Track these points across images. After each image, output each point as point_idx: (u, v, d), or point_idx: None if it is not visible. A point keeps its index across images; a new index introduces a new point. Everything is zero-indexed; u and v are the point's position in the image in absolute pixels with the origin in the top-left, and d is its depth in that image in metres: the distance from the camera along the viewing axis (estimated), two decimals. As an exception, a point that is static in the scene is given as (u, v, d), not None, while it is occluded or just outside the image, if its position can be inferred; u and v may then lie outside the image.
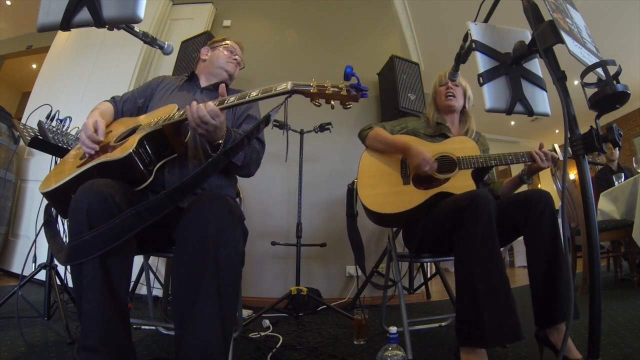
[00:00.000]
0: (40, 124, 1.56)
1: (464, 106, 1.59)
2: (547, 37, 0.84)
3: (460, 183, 1.28)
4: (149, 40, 1.09)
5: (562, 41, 0.80)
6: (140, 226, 0.80)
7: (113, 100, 1.30)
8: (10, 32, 4.61)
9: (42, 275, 1.67)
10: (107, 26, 0.90)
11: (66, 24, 0.89)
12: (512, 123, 6.79)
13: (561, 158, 1.33)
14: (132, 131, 1.07)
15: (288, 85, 0.89)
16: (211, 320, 0.77)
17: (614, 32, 3.87)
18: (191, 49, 2.70)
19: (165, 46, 1.13)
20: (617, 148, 2.85)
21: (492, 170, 1.58)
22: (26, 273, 1.66)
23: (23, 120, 1.84)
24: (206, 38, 2.66)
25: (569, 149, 0.82)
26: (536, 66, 1.06)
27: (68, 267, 1.11)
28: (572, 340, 1.05)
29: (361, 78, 0.90)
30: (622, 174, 2.88)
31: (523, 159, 1.33)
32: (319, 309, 2.18)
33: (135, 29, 1.02)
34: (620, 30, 3.86)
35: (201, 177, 0.84)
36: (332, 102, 0.90)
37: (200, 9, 3.10)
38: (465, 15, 1.11)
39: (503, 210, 1.15)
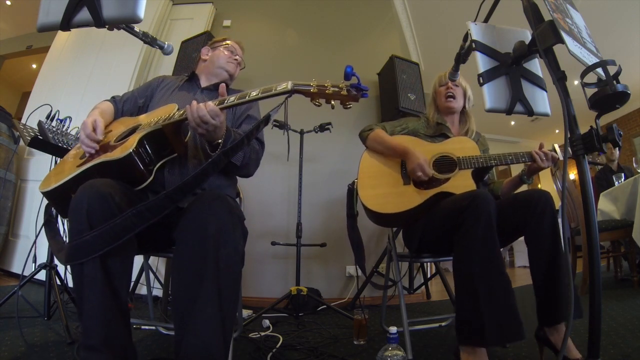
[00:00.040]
0: (40, 124, 1.56)
1: (464, 106, 1.59)
2: (547, 37, 0.84)
3: (461, 183, 1.28)
4: (149, 40, 1.09)
5: (562, 41, 0.80)
6: (141, 226, 0.80)
7: (113, 99, 1.30)
8: (10, 32, 4.61)
9: (42, 275, 1.67)
10: (107, 26, 0.90)
11: (66, 24, 0.89)
12: (512, 123, 6.79)
13: (561, 158, 1.33)
14: (132, 131, 1.07)
15: (288, 85, 0.89)
16: (211, 320, 0.77)
17: (614, 32, 3.87)
18: (191, 49, 2.70)
19: (165, 46, 1.13)
20: (617, 148, 2.85)
21: (492, 170, 1.58)
22: (26, 273, 1.67)
23: (23, 120, 1.84)
24: (206, 38, 2.66)
25: (569, 149, 0.82)
26: (536, 66, 1.06)
27: (68, 266, 1.10)
28: (572, 340, 1.05)
29: (361, 78, 0.90)
30: (622, 174, 2.88)
31: (523, 159, 1.33)
32: (319, 309, 2.18)
33: (135, 29, 1.02)
34: (620, 30, 3.86)
35: (201, 177, 0.84)
36: (333, 102, 0.90)
37: (200, 9, 3.10)
38: (465, 15, 1.11)
39: (503, 210, 1.15)
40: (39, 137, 1.52)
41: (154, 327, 1.58)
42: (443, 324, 1.70)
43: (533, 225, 1.12)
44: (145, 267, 1.58)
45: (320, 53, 3.03)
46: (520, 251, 5.70)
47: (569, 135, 0.81)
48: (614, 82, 0.77)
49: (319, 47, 3.07)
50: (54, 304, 1.60)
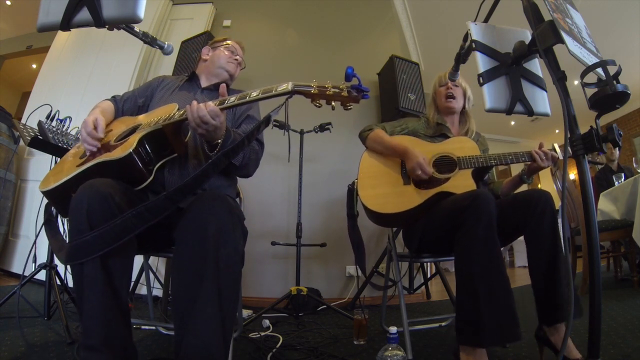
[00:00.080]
0: (40, 124, 1.56)
1: (464, 107, 1.59)
2: (547, 37, 0.84)
3: (461, 183, 1.28)
4: (149, 40, 1.09)
5: (562, 41, 0.80)
6: (141, 227, 0.80)
7: (114, 99, 1.30)
8: (10, 32, 4.61)
9: (42, 275, 1.67)
10: (107, 26, 0.90)
11: (66, 24, 0.89)
12: (512, 123, 6.79)
13: (561, 157, 1.33)
14: (132, 130, 1.07)
15: (289, 86, 0.89)
16: (211, 320, 0.77)
17: (614, 32, 3.87)
18: (191, 49, 2.70)
19: (165, 46, 1.13)
20: (617, 148, 2.84)
21: (491, 170, 1.58)
22: (26, 273, 1.67)
23: (23, 120, 1.84)
24: (206, 38, 2.66)
25: (569, 148, 0.82)
26: (536, 66, 1.06)
27: (68, 266, 1.10)
28: (572, 340, 1.05)
29: (361, 78, 0.90)
30: (622, 174, 2.88)
31: (523, 159, 1.33)
32: (319, 309, 2.18)
33: (135, 29, 1.02)
34: (620, 30, 3.86)
35: (201, 178, 0.84)
36: (333, 103, 0.90)
37: (200, 9, 3.10)
38: (465, 15, 1.11)
39: (503, 210, 1.15)
40: (39, 137, 1.52)
41: (154, 327, 1.58)
42: (443, 324, 1.71)
43: (533, 225, 1.12)
44: (145, 267, 1.58)
45: (320, 53, 3.03)
46: (520, 251, 5.70)
47: (569, 135, 0.82)
48: (614, 82, 0.77)
49: (319, 47, 3.07)
50: (54, 304, 1.60)
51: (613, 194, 2.64)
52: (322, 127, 2.35)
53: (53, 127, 1.60)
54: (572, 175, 4.78)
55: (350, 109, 0.91)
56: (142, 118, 1.15)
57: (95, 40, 2.94)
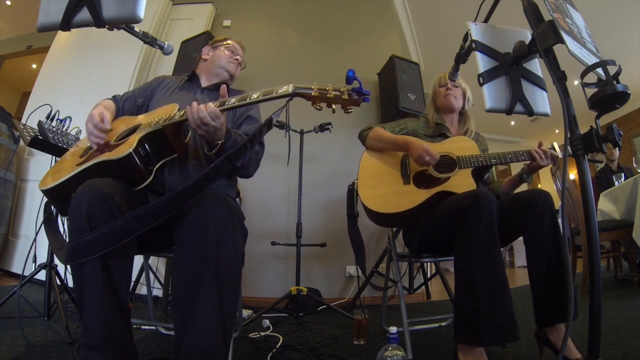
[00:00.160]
0: (40, 124, 1.56)
1: (463, 107, 1.59)
2: (547, 37, 0.84)
3: (461, 182, 1.28)
4: (149, 40, 1.09)
5: (562, 41, 0.80)
6: (141, 230, 0.80)
7: (114, 98, 1.30)
8: (10, 32, 4.61)
9: (42, 275, 1.67)
10: (107, 26, 0.90)
11: (66, 24, 0.89)
12: (512, 123, 6.79)
13: (560, 156, 1.34)
14: (132, 130, 1.07)
15: (289, 88, 0.89)
16: (211, 320, 0.77)
17: (614, 32, 3.87)
18: (191, 49, 2.70)
19: (165, 46, 1.13)
20: (617, 148, 2.84)
21: (491, 170, 1.58)
22: (26, 273, 1.67)
23: (23, 120, 1.84)
24: (206, 38, 2.66)
25: (569, 148, 0.82)
26: (536, 66, 1.06)
27: (69, 266, 1.11)
28: (572, 340, 1.05)
29: (361, 78, 0.89)
30: (622, 174, 2.88)
31: (522, 158, 1.33)
32: (319, 309, 2.18)
33: (135, 29, 1.02)
34: (620, 30, 3.86)
35: (203, 182, 0.84)
36: (334, 106, 0.90)
37: (200, 9, 3.10)
38: (465, 15, 1.11)
39: (503, 210, 1.15)
40: (39, 137, 1.52)
41: (154, 327, 1.58)
42: (443, 324, 1.71)
43: (533, 225, 1.12)
44: (145, 267, 1.58)
45: (320, 53, 3.03)
46: (520, 251, 5.70)
47: (569, 135, 0.82)
48: (614, 82, 0.77)
49: (319, 47, 3.07)
50: (54, 304, 1.60)
51: (613, 194, 2.64)
52: (322, 127, 2.35)
53: (53, 127, 1.60)
54: (572, 175, 4.78)
55: (351, 112, 0.91)
56: (141, 118, 1.15)
57: (95, 40, 2.94)
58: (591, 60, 0.84)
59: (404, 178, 1.37)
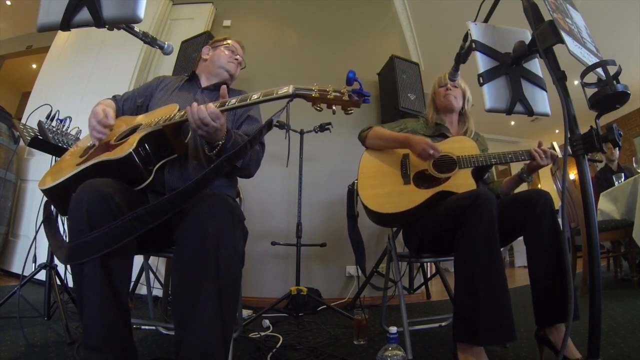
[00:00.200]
0: (40, 124, 1.56)
1: (463, 107, 1.59)
2: (547, 37, 0.84)
3: (461, 182, 1.28)
4: (149, 40, 1.09)
5: (562, 41, 0.80)
6: (141, 230, 0.80)
7: (114, 98, 1.31)
8: (10, 32, 4.61)
9: (42, 275, 1.67)
10: (107, 26, 0.90)
11: (66, 24, 0.89)
12: (512, 123, 6.79)
13: (560, 156, 1.34)
14: (132, 130, 1.07)
15: (289, 89, 0.88)
16: (211, 320, 0.77)
17: (614, 32, 3.87)
18: (191, 49, 2.70)
19: (165, 46, 1.13)
20: (617, 148, 2.85)
21: (491, 170, 1.58)
22: (26, 273, 1.67)
23: (23, 120, 1.84)
24: (206, 38, 2.66)
25: (569, 148, 0.82)
26: (536, 66, 1.06)
27: (68, 266, 1.11)
28: (572, 340, 1.05)
29: (361, 78, 0.89)
30: (622, 174, 2.88)
31: (522, 157, 1.34)
32: (319, 309, 2.18)
33: (135, 29, 1.02)
34: (620, 30, 3.86)
35: (203, 182, 0.84)
36: (334, 107, 0.90)
37: (200, 9, 3.10)
38: (465, 15, 1.11)
39: (503, 210, 1.15)
40: (39, 137, 1.52)
41: (154, 327, 1.58)
42: (443, 324, 1.70)
43: (533, 225, 1.12)
44: (145, 267, 1.58)
45: (320, 53, 3.03)
46: (520, 251, 5.70)
47: (569, 135, 0.82)
48: (614, 82, 0.77)
49: (319, 47, 3.07)
50: (54, 304, 1.60)
51: (613, 194, 2.64)
52: (322, 127, 2.35)
53: (53, 127, 1.60)
54: (572, 175, 4.78)
55: (352, 113, 0.91)
56: (141, 118, 1.15)
57: (95, 40, 2.94)
58: (591, 60, 0.84)
59: (404, 178, 1.37)
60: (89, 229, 0.81)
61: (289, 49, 3.05)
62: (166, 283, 2.02)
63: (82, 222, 0.81)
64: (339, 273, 2.55)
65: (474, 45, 1.02)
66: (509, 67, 1.01)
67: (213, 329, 0.77)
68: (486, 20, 1.07)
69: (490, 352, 1.03)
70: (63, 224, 1.70)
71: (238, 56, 1.41)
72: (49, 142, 1.53)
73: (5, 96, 5.26)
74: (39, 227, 1.30)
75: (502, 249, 1.09)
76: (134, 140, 0.96)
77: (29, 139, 1.49)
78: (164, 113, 1.07)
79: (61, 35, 3.11)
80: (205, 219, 0.84)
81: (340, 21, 3.16)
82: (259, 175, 1.29)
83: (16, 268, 2.53)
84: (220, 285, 0.79)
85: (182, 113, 1.00)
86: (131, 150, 0.93)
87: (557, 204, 1.58)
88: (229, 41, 1.42)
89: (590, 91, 0.81)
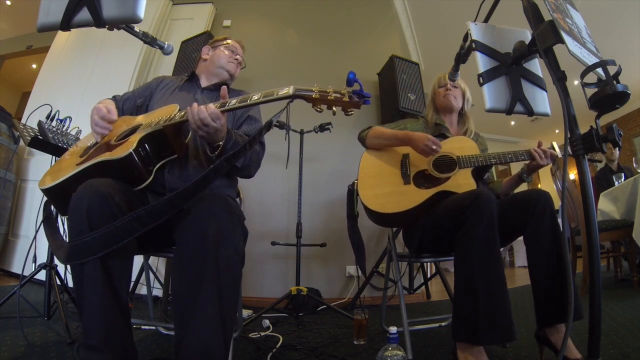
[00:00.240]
0: (40, 124, 1.56)
1: (463, 107, 1.59)
2: (547, 37, 0.84)
3: (461, 182, 1.28)
4: (149, 40, 1.09)
5: (562, 41, 0.80)
6: (141, 230, 0.80)
7: (114, 98, 1.30)
8: (10, 32, 4.61)
9: (42, 275, 1.67)
10: (107, 26, 0.90)
11: (66, 24, 0.89)
12: (512, 123, 6.79)
13: (560, 156, 1.34)
14: (133, 130, 1.07)
15: (290, 90, 0.88)
16: (211, 320, 0.77)
17: (614, 32, 3.87)
18: (191, 49, 2.70)
19: (165, 46, 1.13)
20: (617, 148, 2.85)
21: (491, 170, 1.58)
22: (26, 273, 1.67)
23: (23, 120, 1.84)
24: (206, 38, 2.66)
25: (569, 148, 0.82)
26: (536, 66, 1.06)
27: (68, 266, 1.11)
28: (572, 340, 1.05)
29: (361, 78, 0.89)
30: (622, 174, 2.88)
31: (522, 157, 1.34)
32: (319, 309, 2.18)
33: (135, 29, 1.02)
34: (620, 30, 3.86)
35: (203, 183, 0.84)
36: (334, 108, 0.90)
37: (200, 9, 3.10)
38: (465, 15, 1.11)
39: (502, 210, 1.15)
40: (39, 137, 1.52)
41: (154, 327, 1.58)
42: (443, 324, 1.70)
43: (533, 225, 1.12)
44: (145, 267, 1.58)
45: (320, 53, 3.03)
46: (520, 251, 5.70)
47: (569, 135, 0.82)
48: (614, 82, 0.77)
49: (319, 47, 3.07)
50: (54, 304, 1.60)
51: (613, 194, 2.64)
52: (322, 127, 2.35)
53: (53, 127, 1.60)
54: (572, 175, 4.78)
55: (352, 114, 0.91)
56: (141, 118, 1.15)
57: (95, 40, 2.94)
58: (591, 60, 0.84)
59: (404, 178, 1.37)
60: (89, 229, 0.81)
61: (289, 49, 3.05)
62: (166, 283, 2.02)
63: (82, 222, 0.81)
64: (339, 273, 2.55)
65: (474, 45, 1.02)
66: (509, 67, 1.01)
67: (213, 329, 0.77)
68: (486, 20, 1.07)
69: (490, 352, 1.03)
70: (63, 224, 1.70)
71: (238, 56, 1.41)
72: (49, 142, 1.53)
73: (5, 96, 5.26)
74: (39, 227, 1.30)
75: (502, 249, 1.09)
76: (134, 140, 0.96)
77: (29, 139, 1.49)
78: (164, 113, 1.07)
79: (61, 35, 3.11)
80: (206, 219, 0.84)
81: (340, 21, 3.16)
82: (259, 175, 1.29)
83: (16, 268, 2.53)
84: (220, 285, 0.79)
85: (182, 113, 1.00)
86: (131, 150, 0.93)
87: (557, 204, 1.58)
88: (228, 41, 1.42)
89: (590, 91, 0.81)
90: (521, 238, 1.18)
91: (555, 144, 1.37)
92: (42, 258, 1.71)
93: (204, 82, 1.37)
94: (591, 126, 0.80)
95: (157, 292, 2.14)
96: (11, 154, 2.49)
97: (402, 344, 1.18)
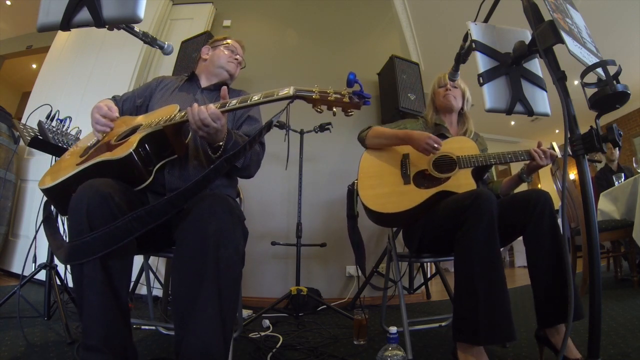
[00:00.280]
0: (40, 124, 1.56)
1: (463, 107, 1.59)
2: (547, 37, 0.84)
3: (461, 182, 1.28)
4: (149, 40, 1.09)
5: (562, 41, 0.80)
6: (141, 230, 0.80)
7: (114, 99, 1.30)
8: (10, 32, 4.61)
9: (42, 275, 1.67)
10: (107, 26, 0.90)
11: (66, 24, 0.89)
12: (512, 123, 6.79)
13: (560, 156, 1.34)
14: (133, 131, 1.07)
15: (290, 91, 0.88)
16: (211, 320, 0.77)
17: (614, 32, 3.87)
18: (191, 49, 2.70)
19: (165, 46, 1.13)
20: (617, 148, 2.85)
21: (491, 170, 1.58)
22: (26, 273, 1.67)
23: (23, 120, 1.84)
24: (206, 38, 2.66)
25: (569, 148, 0.82)
26: (536, 66, 1.06)
27: (68, 266, 1.11)
28: (572, 340, 1.05)
29: (361, 78, 0.89)
30: (622, 174, 2.88)
31: (522, 157, 1.34)
32: (319, 309, 2.18)
33: (135, 29, 1.02)
34: (620, 30, 3.86)
35: (203, 183, 0.84)
36: (334, 109, 0.90)
37: (200, 9, 3.10)
38: (465, 15, 1.11)
39: (502, 210, 1.15)
40: (39, 137, 1.52)
41: (154, 327, 1.58)
42: (443, 324, 1.70)
43: (532, 225, 1.12)
44: (145, 267, 1.58)
45: (320, 53, 3.03)
46: (520, 251, 5.70)
47: (569, 135, 0.82)
48: (614, 82, 0.77)
49: (319, 47, 3.07)
50: (54, 304, 1.60)
51: (613, 194, 2.64)
52: (322, 127, 2.35)
53: (53, 127, 1.60)
54: (572, 175, 4.79)
55: (352, 115, 0.91)
56: (141, 118, 1.15)
57: (95, 40, 2.94)
58: (591, 60, 0.84)
59: (404, 178, 1.37)
60: (89, 229, 0.81)
61: (289, 49, 3.05)
62: (166, 283, 2.02)
63: (82, 222, 0.81)
64: (339, 273, 2.55)
65: (474, 45, 1.02)
66: (509, 67, 1.01)
67: (213, 329, 0.77)
68: (486, 20, 1.07)
69: (490, 352, 1.03)
70: (63, 224, 1.70)
71: (238, 56, 1.41)
72: (49, 142, 1.53)
73: (5, 96, 5.26)
74: (39, 227, 1.30)
75: (502, 249, 1.09)
76: (134, 140, 0.96)
77: (29, 139, 1.49)
78: (164, 113, 1.07)
79: (61, 35, 3.11)
80: (206, 219, 0.84)
81: (340, 21, 3.16)
82: (259, 175, 1.29)
83: (16, 268, 2.53)
84: (220, 285, 0.79)
85: (182, 114, 1.00)
86: (131, 150, 0.93)
87: (557, 204, 1.58)
88: (228, 41, 1.42)
89: (590, 91, 0.81)
90: (521, 238, 1.18)
91: (555, 144, 1.37)
92: (42, 258, 1.71)
93: (203, 82, 1.37)
94: (591, 126, 0.80)
95: (157, 292, 2.14)
96: (11, 154, 2.49)
97: (402, 344, 1.18)
